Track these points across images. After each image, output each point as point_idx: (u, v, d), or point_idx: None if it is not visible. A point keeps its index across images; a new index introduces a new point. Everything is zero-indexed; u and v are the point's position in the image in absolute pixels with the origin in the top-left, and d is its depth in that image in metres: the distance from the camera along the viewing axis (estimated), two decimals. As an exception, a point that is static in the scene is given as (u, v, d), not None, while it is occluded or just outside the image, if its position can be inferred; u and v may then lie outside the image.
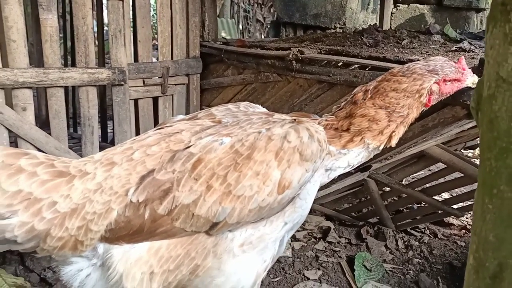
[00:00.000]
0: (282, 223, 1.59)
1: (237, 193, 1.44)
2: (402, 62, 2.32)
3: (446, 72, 1.70)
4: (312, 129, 1.57)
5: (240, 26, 4.47)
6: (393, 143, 1.75)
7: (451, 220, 3.98)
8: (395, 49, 2.59)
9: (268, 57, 2.88)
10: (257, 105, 1.88)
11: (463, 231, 3.84)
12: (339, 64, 2.50)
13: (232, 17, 9.38)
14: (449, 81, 1.73)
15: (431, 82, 1.68)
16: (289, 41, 3.31)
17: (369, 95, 1.70)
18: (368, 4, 5.51)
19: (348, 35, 2.98)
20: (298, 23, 5.82)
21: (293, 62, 2.67)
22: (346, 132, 1.70)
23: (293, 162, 1.49)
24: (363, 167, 2.72)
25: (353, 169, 1.91)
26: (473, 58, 2.33)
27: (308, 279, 3.10)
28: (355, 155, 1.73)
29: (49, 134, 2.62)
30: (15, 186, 1.37)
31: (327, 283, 3.06)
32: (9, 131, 2.49)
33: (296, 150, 1.50)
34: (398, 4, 5.54)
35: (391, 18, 5.23)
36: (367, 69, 2.33)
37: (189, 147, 1.50)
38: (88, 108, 2.71)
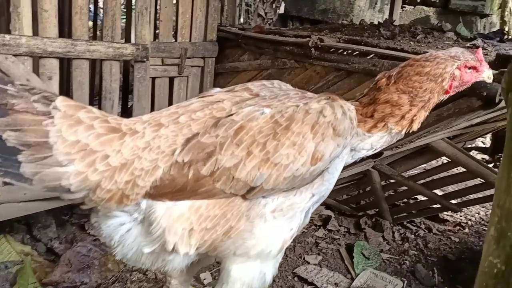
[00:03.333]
0: (310, 194, 1.68)
1: (275, 161, 1.51)
2: (419, 54, 2.43)
3: (467, 58, 1.76)
4: (345, 107, 1.66)
5: (242, 19, 4.55)
6: (415, 127, 1.81)
7: (446, 216, 4.12)
8: (411, 42, 2.70)
9: (286, 44, 2.97)
10: (288, 84, 1.97)
11: (457, 227, 3.97)
12: (357, 53, 2.59)
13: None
14: (469, 68, 1.77)
15: (454, 67, 1.73)
16: (308, 29, 3.40)
17: (393, 80, 1.78)
18: (376, 3, 5.63)
19: (365, 27, 3.08)
20: (305, 17, 5.92)
21: (312, 49, 2.76)
22: (370, 118, 1.78)
23: (327, 136, 1.57)
24: (374, 154, 2.83)
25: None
26: (486, 55, 2.45)
27: (309, 263, 3.20)
28: (378, 139, 1.81)
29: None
30: (74, 136, 1.43)
31: (326, 268, 3.16)
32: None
33: (330, 125, 1.57)
34: (404, 5, 5.67)
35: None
36: (386, 59, 2.43)
37: (231, 114, 1.58)
38: (110, 82, 2.78)
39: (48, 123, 1.40)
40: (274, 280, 2.92)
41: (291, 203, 1.64)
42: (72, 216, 3.30)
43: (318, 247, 3.42)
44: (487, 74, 1.84)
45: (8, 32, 2.46)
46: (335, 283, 2.94)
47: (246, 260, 1.66)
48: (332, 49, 2.68)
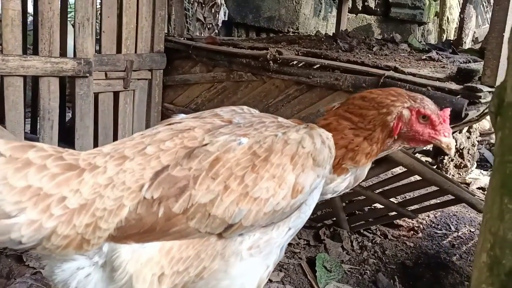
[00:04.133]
0: (287, 228, 1.57)
1: (254, 195, 1.40)
2: (380, 68, 2.40)
3: (425, 105, 1.59)
4: (324, 135, 1.56)
5: (191, 28, 4.39)
6: (361, 161, 1.62)
7: (400, 222, 4.19)
8: (369, 55, 2.68)
9: (242, 56, 2.84)
10: (256, 110, 1.84)
11: (411, 232, 4.05)
12: (318, 67, 2.52)
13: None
14: (424, 117, 1.60)
15: (404, 105, 1.58)
16: (263, 41, 3.29)
17: (337, 106, 1.69)
18: (320, 11, 5.67)
19: (322, 39, 3.03)
20: (251, 24, 5.82)
21: (271, 62, 2.66)
22: None
23: (307, 167, 1.48)
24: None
25: None
26: (443, 67, 2.47)
27: (271, 281, 3.09)
28: (341, 181, 1.70)
29: (4, 127, 2.36)
30: (24, 181, 1.23)
31: (289, 284, 3.07)
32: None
33: (310, 155, 1.49)
34: (348, 14, 5.77)
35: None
36: (348, 73, 2.37)
37: (205, 145, 1.44)
38: (49, 101, 2.49)
39: None
40: (238, 305, 2.79)
41: (268, 239, 1.52)
42: (6, 248, 2.94)
43: (280, 263, 3.33)
44: (446, 141, 1.63)
45: None
46: (300, 301, 2.87)
47: None
48: (292, 62, 2.59)
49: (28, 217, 1.22)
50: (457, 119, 2.06)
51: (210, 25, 5.86)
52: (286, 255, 3.44)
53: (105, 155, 1.39)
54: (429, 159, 5.79)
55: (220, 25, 5.09)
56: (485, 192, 1.31)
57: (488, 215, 1.32)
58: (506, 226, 1.23)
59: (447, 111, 1.63)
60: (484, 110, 2.16)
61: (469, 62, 2.56)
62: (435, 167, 5.35)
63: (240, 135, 1.49)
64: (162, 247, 1.37)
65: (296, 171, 1.46)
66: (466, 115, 2.02)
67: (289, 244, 3.60)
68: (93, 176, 1.33)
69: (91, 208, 1.30)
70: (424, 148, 6.39)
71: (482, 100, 2.02)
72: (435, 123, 1.60)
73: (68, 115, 4.13)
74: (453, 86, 2.09)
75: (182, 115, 1.67)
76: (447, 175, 4.79)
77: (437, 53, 2.66)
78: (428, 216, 4.48)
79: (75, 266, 1.36)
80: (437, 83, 2.13)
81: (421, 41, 3.49)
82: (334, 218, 3.85)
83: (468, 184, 5.31)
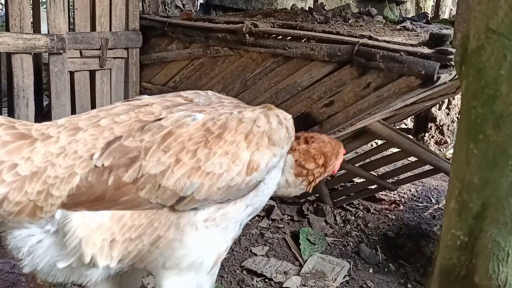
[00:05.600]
0: (244, 205, 1.62)
1: (207, 169, 1.45)
2: (355, 37, 2.42)
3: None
4: (281, 116, 1.64)
5: (165, 8, 4.36)
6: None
7: (381, 196, 4.27)
8: (344, 26, 2.70)
9: (218, 31, 2.83)
10: (224, 94, 1.91)
11: (393, 205, 4.13)
12: (294, 38, 2.53)
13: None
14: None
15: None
16: (239, 15, 3.28)
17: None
18: (299, -8, 5.68)
19: (298, 12, 3.04)
20: (229, 6, 5.80)
21: (247, 35, 2.65)
22: None
23: (262, 145, 1.54)
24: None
25: None
26: (417, 35, 2.50)
27: (256, 255, 3.14)
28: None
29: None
30: None
31: (274, 257, 3.12)
32: None
33: (265, 134, 1.55)
34: (326, -7, 5.80)
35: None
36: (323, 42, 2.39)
37: (160, 119, 1.49)
38: (22, 78, 2.46)
39: None
40: (222, 276, 2.82)
41: (224, 213, 1.56)
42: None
43: (264, 237, 3.38)
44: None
45: None
46: (284, 272, 2.92)
47: (178, 273, 1.55)
48: (268, 35, 2.59)
49: None
50: (429, 82, 2.09)
51: (189, 10, 5.83)
52: (270, 230, 3.48)
53: (58, 126, 1.44)
54: (410, 136, 5.88)
55: (198, 7, 5.06)
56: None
57: (456, 163, 1.36)
58: (472, 170, 1.27)
59: (342, 152, 1.97)
60: (456, 75, 2.20)
61: (443, 29, 2.60)
62: (416, 143, 5.44)
63: (196, 111, 1.54)
64: (113, 214, 1.40)
65: (250, 149, 1.51)
66: (438, 78, 2.06)
67: (273, 220, 3.65)
68: (45, 145, 1.37)
69: (42, 175, 1.34)
70: (404, 126, 6.48)
71: (454, 63, 2.06)
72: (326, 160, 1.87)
73: (46, 100, 4.09)
74: (425, 50, 2.12)
75: (146, 96, 1.73)
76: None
77: (411, 23, 2.70)
78: (410, 190, 4.57)
79: (27, 233, 1.39)
80: (410, 48, 2.16)
81: (396, 15, 3.53)
82: (317, 194, 3.90)
83: (448, 160, 5.42)
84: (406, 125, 6.61)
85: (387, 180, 3.68)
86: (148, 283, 2.60)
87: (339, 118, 2.42)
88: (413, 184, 4.61)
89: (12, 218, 1.33)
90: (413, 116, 5.96)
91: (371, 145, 4.64)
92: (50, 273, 1.44)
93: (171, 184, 1.40)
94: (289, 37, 2.55)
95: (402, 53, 2.15)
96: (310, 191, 1.91)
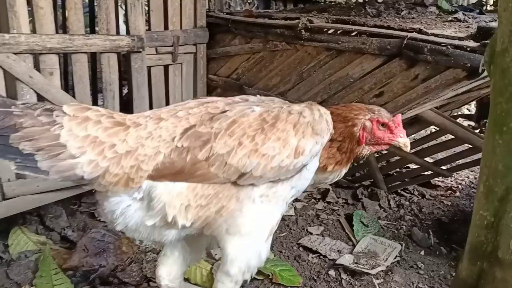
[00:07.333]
0: (289, 186, 1.88)
1: (263, 152, 1.73)
2: (406, 30, 2.55)
3: (382, 114, 1.91)
4: (322, 111, 1.88)
5: (231, 4, 4.61)
6: (329, 167, 1.97)
7: (437, 182, 4.32)
8: (396, 19, 2.82)
9: (277, 27, 3.06)
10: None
11: (449, 191, 4.17)
12: (346, 32, 2.70)
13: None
14: (383, 125, 1.91)
15: (366, 117, 1.90)
16: (296, 11, 3.49)
17: None
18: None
19: (351, 6, 3.19)
20: (289, -3, 5.96)
21: (302, 31, 2.87)
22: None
23: (307, 133, 1.79)
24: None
25: None
26: (468, 27, 2.58)
27: (311, 234, 3.35)
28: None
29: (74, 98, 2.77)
30: (84, 131, 1.62)
31: (329, 237, 3.32)
32: (38, 95, 2.62)
33: (309, 124, 1.80)
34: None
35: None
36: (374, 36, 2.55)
37: (225, 111, 1.80)
38: (109, 74, 2.86)
39: (56, 128, 1.59)
40: (280, 251, 3.09)
41: (275, 191, 1.84)
42: (80, 206, 3.42)
43: (319, 218, 3.58)
44: (403, 141, 1.94)
45: (7, 31, 2.51)
46: (338, 250, 3.10)
47: (239, 238, 1.83)
48: (322, 30, 2.79)
49: (88, 157, 1.61)
50: (475, 74, 2.20)
51: (250, 2, 6.07)
52: (325, 212, 3.69)
53: (145, 117, 1.77)
54: (472, 123, 5.77)
55: (256, 4, 5.29)
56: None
57: (485, 152, 1.52)
58: (497, 158, 1.44)
59: (399, 116, 1.94)
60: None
61: (494, 21, 2.64)
62: (478, 130, 5.34)
63: (254, 106, 1.85)
64: (189, 185, 1.72)
65: (298, 136, 1.78)
66: (483, 70, 2.16)
67: (328, 203, 3.85)
68: (136, 130, 1.70)
69: (134, 153, 1.67)
70: (468, 112, 6.34)
71: (483, 63, 2.15)
72: (392, 128, 1.92)
73: (125, 91, 4.56)
74: (471, 44, 2.22)
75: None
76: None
77: (463, 14, 2.75)
78: (468, 177, 4.56)
79: (119, 200, 1.73)
80: (457, 42, 2.27)
81: (452, 4, 3.53)
82: (372, 180, 4.04)
83: None
84: (469, 111, 6.46)
85: (442, 167, 3.75)
86: (216, 254, 2.94)
87: (389, 108, 2.57)
88: (471, 171, 4.59)
89: (111, 187, 1.67)
90: (475, 103, 5.84)
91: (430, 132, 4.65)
92: (136, 230, 1.79)
93: (235, 162, 1.69)
94: (342, 32, 2.72)
95: (449, 46, 2.26)
96: (341, 169, 2.00)
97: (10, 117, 1.54)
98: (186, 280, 2.55)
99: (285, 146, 1.75)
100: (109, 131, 1.65)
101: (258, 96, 2.04)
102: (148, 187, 1.71)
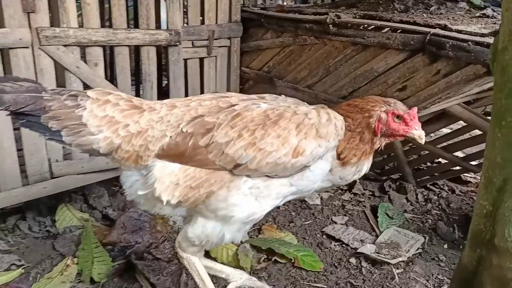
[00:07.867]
0: (288, 183, 1.94)
1: (260, 146, 1.82)
2: (430, 26, 2.61)
3: (398, 107, 1.94)
4: (332, 115, 1.93)
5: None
6: (352, 160, 1.97)
7: (469, 178, 4.28)
8: (424, 14, 2.86)
9: (306, 22, 3.18)
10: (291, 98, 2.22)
11: (479, 187, 4.13)
12: (372, 27, 2.79)
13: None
14: (398, 117, 1.94)
15: (382, 109, 1.93)
16: (325, 6, 3.58)
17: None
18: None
19: (380, 1, 3.25)
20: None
21: (330, 25, 2.97)
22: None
23: (309, 135, 1.85)
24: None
25: None
26: (495, 23, 2.59)
27: (336, 223, 3.45)
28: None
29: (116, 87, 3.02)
30: (103, 112, 1.84)
31: (352, 227, 3.40)
32: (84, 83, 2.88)
33: (314, 126, 1.87)
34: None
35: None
36: (398, 31, 2.62)
37: (234, 105, 1.93)
38: (148, 66, 3.09)
39: (80, 110, 1.82)
40: (304, 238, 3.22)
41: (269, 184, 1.91)
42: (121, 187, 3.69)
43: (345, 209, 3.67)
44: (418, 133, 1.96)
45: (58, 25, 2.79)
46: (361, 240, 3.18)
47: (213, 218, 1.95)
48: (349, 25, 2.88)
49: (104, 134, 1.84)
50: (494, 70, 2.23)
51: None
52: (351, 203, 3.78)
53: (162, 103, 1.97)
54: None
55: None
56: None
57: (487, 145, 1.60)
58: (496, 151, 1.52)
59: (415, 109, 1.96)
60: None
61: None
62: None
63: (261, 102, 1.95)
64: (183, 166, 1.87)
65: (299, 136, 1.85)
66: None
67: (354, 194, 3.93)
68: (150, 114, 1.90)
69: (144, 134, 1.86)
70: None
71: (488, 60, 2.17)
72: (407, 121, 1.94)
73: (165, 82, 4.82)
74: (492, 40, 2.24)
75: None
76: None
77: (492, 9, 2.76)
78: (502, 174, 4.48)
79: (131, 174, 1.95)
80: (478, 38, 2.30)
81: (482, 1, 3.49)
82: (401, 173, 4.08)
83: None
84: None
85: (472, 162, 3.73)
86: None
87: (411, 102, 2.64)
88: (505, 168, 4.50)
89: (123, 162, 1.88)
90: None
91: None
92: (140, 202, 1.98)
93: (231, 152, 1.80)
94: (368, 27, 2.81)
95: (470, 42, 2.30)
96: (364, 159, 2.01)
97: (41, 101, 1.80)
98: (213, 259, 2.73)
99: (284, 144, 1.82)
100: (124, 113, 1.87)
101: (274, 95, 2.13)
102: (151, 164, 1.89)
